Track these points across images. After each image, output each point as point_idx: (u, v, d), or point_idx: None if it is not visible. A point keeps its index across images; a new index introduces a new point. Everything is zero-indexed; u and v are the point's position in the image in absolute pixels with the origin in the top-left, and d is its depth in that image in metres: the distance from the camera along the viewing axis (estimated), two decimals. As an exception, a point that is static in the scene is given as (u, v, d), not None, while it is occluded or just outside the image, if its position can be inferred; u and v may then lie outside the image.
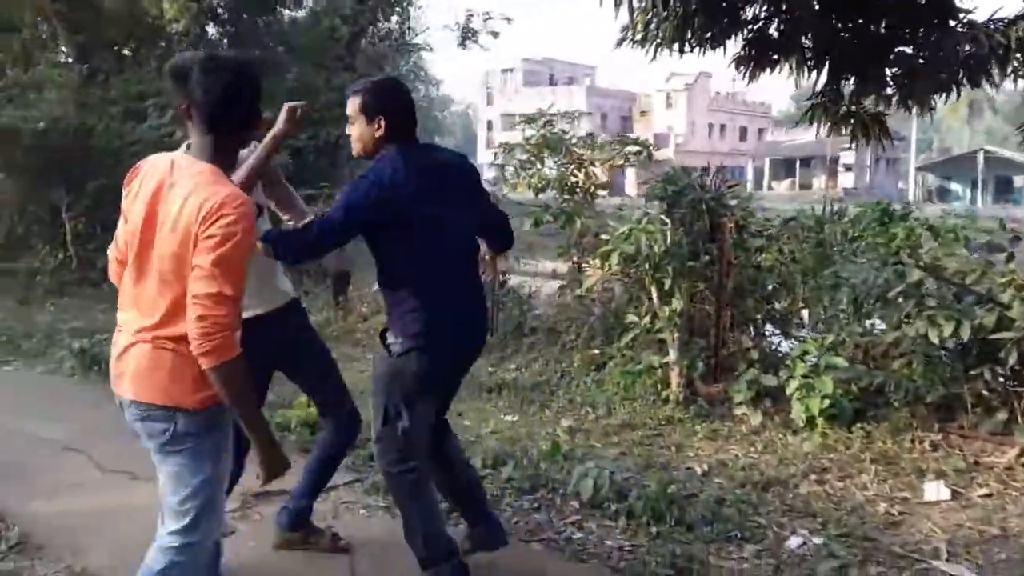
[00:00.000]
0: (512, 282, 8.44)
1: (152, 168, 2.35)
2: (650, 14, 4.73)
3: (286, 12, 12.89)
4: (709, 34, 5.07)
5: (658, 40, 5.17)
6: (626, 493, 4.09)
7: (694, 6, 4.51)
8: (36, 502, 3.98)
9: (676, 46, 5.15)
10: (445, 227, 3.06)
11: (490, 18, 12.48)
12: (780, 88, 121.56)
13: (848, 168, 57.27)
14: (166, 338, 2.26)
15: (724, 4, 4.61)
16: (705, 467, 4.85)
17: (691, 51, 5.10)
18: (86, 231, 10.77)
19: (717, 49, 5.26)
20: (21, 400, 5.87)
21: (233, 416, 2.36)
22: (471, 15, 12.44)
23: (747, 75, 5.02)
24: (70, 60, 11.39)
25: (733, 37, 5.07)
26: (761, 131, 69.57)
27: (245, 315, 3.16)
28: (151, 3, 9.74)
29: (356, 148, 3.11)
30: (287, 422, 5.01)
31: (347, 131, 3.14)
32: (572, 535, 3.82)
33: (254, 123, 2.38)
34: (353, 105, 3.05)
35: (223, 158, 2.33)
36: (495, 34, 12.69)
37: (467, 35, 12.64)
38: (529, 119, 6.65)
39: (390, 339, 3.10)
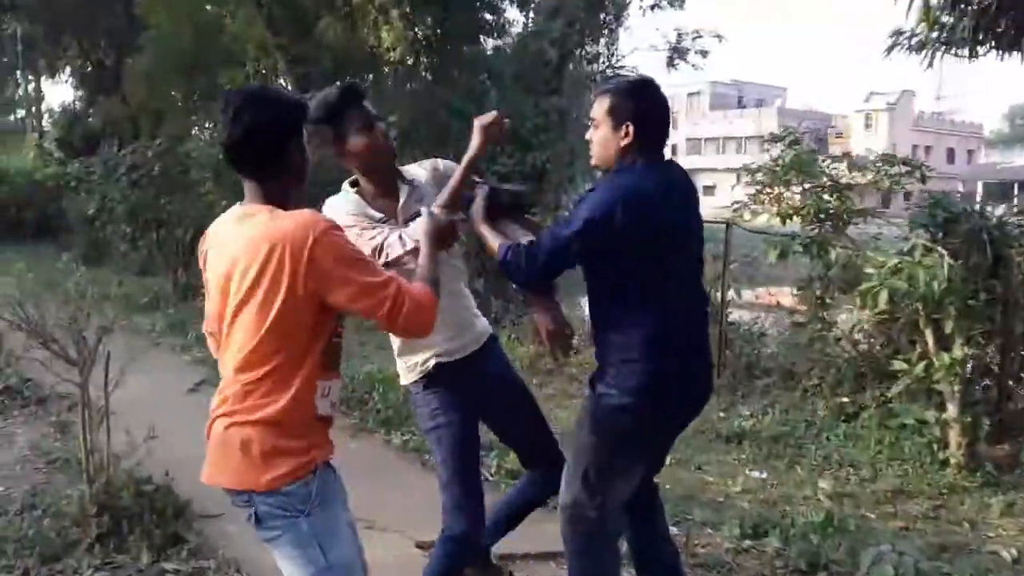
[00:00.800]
0: (735, 316, 7.73)
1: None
2: (947, 13, 4.01)
3: (490, 41, 12.88)
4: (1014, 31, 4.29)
5: (941, 43, 4.45)
6: (934, 585, 3.38)
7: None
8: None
9: (967, 48, 4.42)
10: (686, 261, 2.70)
11: (699, 36, 11.91)
12: (991, 107, 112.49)
13: (1075, 192, 51.66)
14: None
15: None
16: (1013, 552, 4.01)
17: (986, 53, 4.32)
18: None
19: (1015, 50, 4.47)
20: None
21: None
22: (681, 34, 11.89)
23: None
24: (288, 89, 11.83)
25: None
26: (971, 152, 64.33)
27: (446, 359, 2.81)
28: (370, 32, 9.86)
29: (595, 155, 2.72)
30: (518, 469, 4.59)
31: (587, 136, 2.75)
32: (877, 637, 3.15)
33: (272, 161, 2.11)
34: (600, 106, 2.66)
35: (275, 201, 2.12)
36: (704, 53, 12.09)
37: (677, 54, 12.07)
38: (775, 137, 6.01)
39: (601, 388, 2.63)
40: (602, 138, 2.65)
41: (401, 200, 2.78)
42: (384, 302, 2.05)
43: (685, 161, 63.13)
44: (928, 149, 61.32)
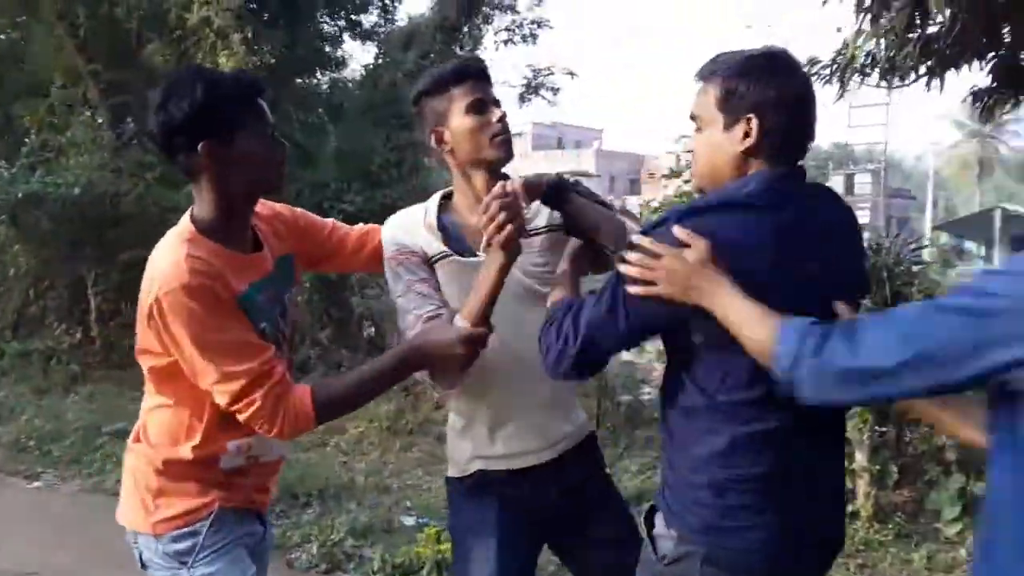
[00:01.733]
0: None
1: None
2: (893, 36, 3.77)
3: (326, 75, 12.16)
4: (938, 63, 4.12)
5: (864, 73, 4.24)
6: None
7: (956, 23, 3.52)
8: None
9: (885, 79, 4.24)
10: None
11: (551, 73, 11.76)
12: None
13: (861, 228, 56.68)
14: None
15: (985, 23, 3.62)
16: (954, 612, 3.76)
17: (914, 82, 4.14)
18: (110, 307, 9.73)
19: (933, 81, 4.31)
20: (54, 535, 4.71)
21: None
22: (537, 71, 11.67)
23: (984, 110, 4.06)
24: (99, 121, 10.54)
25: (980, 64, 4.11)
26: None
27: (493, 467, 2.04)
28: (206, 58, 8.89)
29: (696, 172, 1.77)
30: (413, 562, 3.88)
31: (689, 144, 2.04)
32: None
33: (182, 159, 1.79)
34: (705, 99, 1.66)
35: (212, 213, 1.83)
36: (555, 90, 11.96)
37: (531, 91, 11.85)
38: (674, 173, 5.75)
39: (659, 527, 1.74)
40: (707, 144, 1.68)
41: None
42: (227, 392, 1.74)
43: (510, 201, 64.37)
44: (733, 188, 65.53)
